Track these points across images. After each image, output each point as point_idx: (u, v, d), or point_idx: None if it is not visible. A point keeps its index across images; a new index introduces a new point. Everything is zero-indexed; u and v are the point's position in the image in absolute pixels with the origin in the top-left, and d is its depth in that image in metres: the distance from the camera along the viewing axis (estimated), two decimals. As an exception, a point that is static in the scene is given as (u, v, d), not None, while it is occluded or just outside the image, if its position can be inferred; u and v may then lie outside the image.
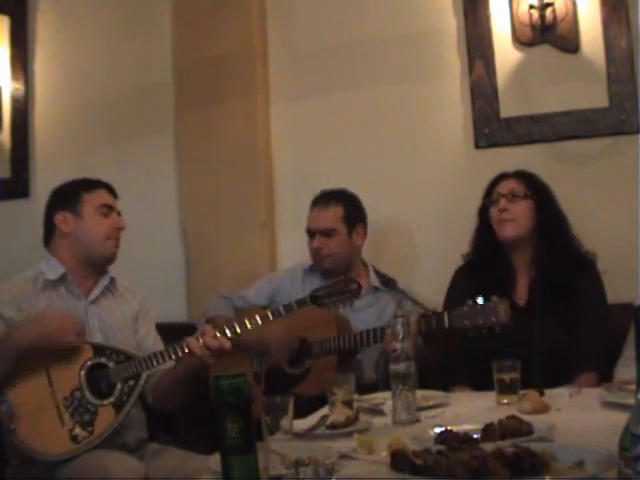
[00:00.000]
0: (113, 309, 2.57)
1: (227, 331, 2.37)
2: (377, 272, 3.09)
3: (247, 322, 2.42)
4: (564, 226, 2.84)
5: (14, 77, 3.90)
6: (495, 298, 2.43)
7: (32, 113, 3.90)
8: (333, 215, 3.05)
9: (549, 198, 2.85)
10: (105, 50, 3.80)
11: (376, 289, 3.05)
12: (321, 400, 2.31)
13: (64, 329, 2.30)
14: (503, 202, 2.80)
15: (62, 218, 2.53)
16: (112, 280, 2.59)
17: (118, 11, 3.79)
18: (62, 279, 2.49)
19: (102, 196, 2.56)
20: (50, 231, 2.57)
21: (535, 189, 2.84)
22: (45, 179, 3.83)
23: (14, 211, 3.89)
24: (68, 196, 2.56)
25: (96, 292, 2.54)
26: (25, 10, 3.92)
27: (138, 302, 2.64)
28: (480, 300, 2.44)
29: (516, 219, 2.79)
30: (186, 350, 2.36)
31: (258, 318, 2.42)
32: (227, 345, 2.36)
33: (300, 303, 2.46)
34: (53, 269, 2.50)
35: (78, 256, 2.53)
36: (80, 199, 2.53)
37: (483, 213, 2.90)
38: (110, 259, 2.57)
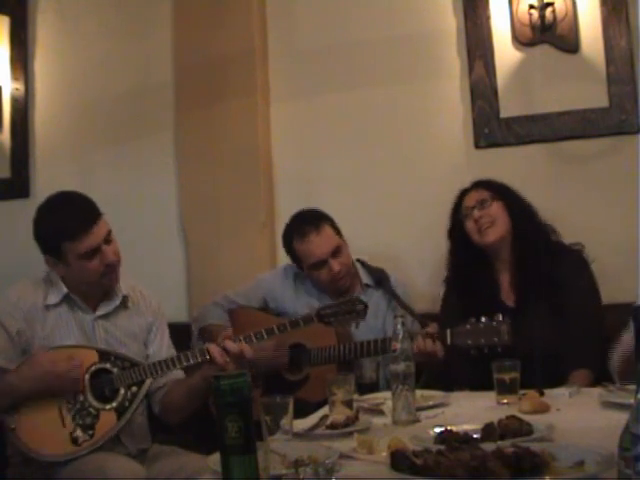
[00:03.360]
0: (123, 322, 2.53)
1: (243, 339, 2.39)
2: (367, 267, 3.08)
3: (253, 335, 2.43)
4: (534, 215, 2.88)
5: (14, 77, 3.90)
6: (498, 317, 2.44)
7: (32, 113, 3.90)
8: (330, 233, 2.98)
9: (513, 194, 2.89)
10: (105, 50, 3.80)
11: (368, 286, 3.05)
12: (317, 405, 2.31)
13: (61, 373, 2.28)
14: (476, 212, 2.83)
15: (51, 263, 2.44)
16: (124, 298, 2.53)
17: (118, 11, 3.79)
18: (66, 298, 2.46)
19: (84, 243, 2.36)
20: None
21: (498, 191, 2.87)
22: (45, 179, 3.84)
23: (14, 211, 3.89)
24: (49, 244, 2.42)
25: (105, 309, 2.50)
26: (25, 10, 3.92)
27: (152, 313, 2.60)
28: (483, 319, 2.45)
29: (494, 221, 2.82)
30: (207, 357, 2.35)
31: (264, 332, 2.44)
32: (249, 351, 2.36)
33: (306, 320, 2.48)
34: (57, 289, 2.45)
35: (77, 287, 2.47)
36: (61, 249, 2.38)
37: (454, 232, 2.93)
38: (110, 289, 2.51)
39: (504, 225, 2.83)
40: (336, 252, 2.95)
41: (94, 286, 2.47)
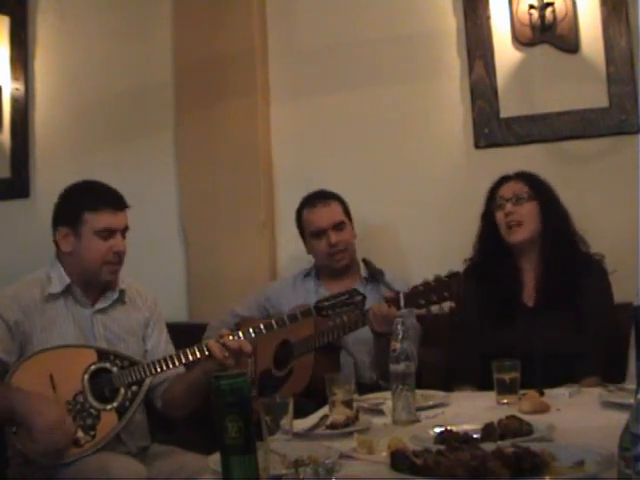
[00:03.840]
0: (121, 317, 2.53)
1: (241, 334, 2.40)
2: (369, 265, 3.09)
3: (252, 330, 2.45)
4: (568, 223, 2.84)
5: (14, 77, 3.90)
6: (450, 271, 2.49)
7: (32, 113, 3.90)
8: (337, 209, 3.09)
9: (552, 196, 2.86)
10: (105, 50, 3.80)
11: (366, 280, 3.07)
12: (316, 405, 2.31)
13: (49, 436, 2.20)
14: (509, 206, 2.79)
15: (63, 235, 2.45)
16: (122, 292, 2.54)
17: (118, 11, 3.79)
18: (67, 290, 2.45)
19: (105, 218, 2.43)
20: (56, 242, 2.50)
21: (538, 189, 2.83)
22: (45, 179, 3.84)
23: (14, 211, 3.89)
24: (70, 212, 2.46)
25: (103, 303, 2.50)
26: (25, 10, 3.92)
27: (148, 308, 2.60)
28: (434, 276, 2.49)
29: (524, 221, 2.78)
30: (206, 352, 2.36)
31: (262, 326, 2.46)
32: (247, 347, 2.37)
33: (305, 314, 2.51)
34: (58, 279, 2.45)
35: (79, 274, 2.47)
36: (81, 219, 2.42)
37: (487, 217, 2.89)
38: (108, 283, 2.50)
39: (533, 226, 2.79)
40: (338, 226, 3.04)
41: (93, 275, 2.46)
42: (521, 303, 2.77)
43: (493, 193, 2.88)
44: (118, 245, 2.45)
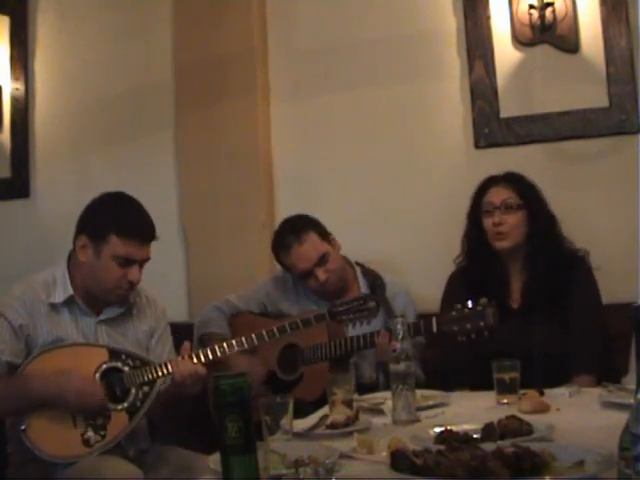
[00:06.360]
0: (126, 329, 2.49)
1: (255, 337, 2.39)
2: (365, 271, 3.05)
3: (265, 334, 2.42)
4: (555, 227, 2.85)
5: (14, 77, 3.90)
6: (483, 301, 2.44)
7: (32, 113, 3.90)
8: (314, 242, 2.91)
9: (540, 202, 2.85)
10: (105, 50, 3.80)
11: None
12: (316, 405, 2.31)
13: (82, 400, 2.25)
14: (498, 215, 2.79)
15: (82, 244, 2.40)
16: (129, 306, 2.49)
17: (118, 11, 3.79)
18: (70, 300, 2.41)
19: (129, 248, 2.35)
20: (74, 245, 2.45)
21: (526, 195, 2.82)
22: (45, 179, 3.84)
23: (14, 211, 3.89)
24: (97, 226, 2.39)
25: (108, 314, 2.46)
26: (25, 10, 3.92)
27: (156, 318, 2.56)
28: (469, 304, 2.46)
29: (512, 230, 2.78)
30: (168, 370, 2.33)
31: (276, 331, 2.44)
32: (201, 371, 2.32)
33: (318, 318, 2.47)
34: (63, 288, 2.41)
35: (85, 286, 2.43)
36: (107, 238, 2.35)
37: (473, 218, 2.89)
38: (113, 304, 2.46)
39: (520, 235, 2.79)
40: (322, 260, 2.90)
41: (100, 294, 2.43)
42: (506, 305, 2.77)
43: (480, 196, 2.87)
44: (134, 275, 2.39)
